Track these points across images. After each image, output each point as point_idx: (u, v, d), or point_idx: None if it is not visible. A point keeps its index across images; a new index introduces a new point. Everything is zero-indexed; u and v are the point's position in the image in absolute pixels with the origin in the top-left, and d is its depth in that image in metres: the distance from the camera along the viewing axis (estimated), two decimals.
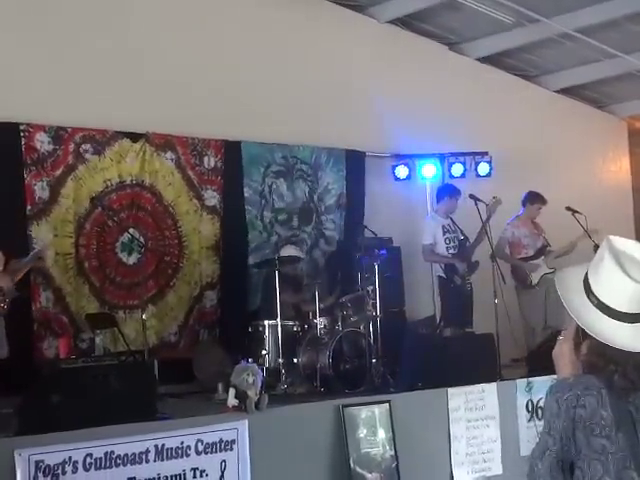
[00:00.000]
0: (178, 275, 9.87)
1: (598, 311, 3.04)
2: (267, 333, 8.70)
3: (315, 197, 10.96)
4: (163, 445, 6.37)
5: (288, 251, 9.59)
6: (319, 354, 8.37)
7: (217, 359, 9.43)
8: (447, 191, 9.93)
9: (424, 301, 11.40)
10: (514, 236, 10.33)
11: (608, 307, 3.03)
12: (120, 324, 9.28)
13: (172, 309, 9.73)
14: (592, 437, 3.01)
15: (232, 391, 6.91)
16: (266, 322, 8.72)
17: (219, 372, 9.10)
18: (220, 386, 8.58)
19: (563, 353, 3.17)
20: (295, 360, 8.58)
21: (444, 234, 9.70)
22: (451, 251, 9.69)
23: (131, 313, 9.50)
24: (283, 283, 8.86)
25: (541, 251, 10.27)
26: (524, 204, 10.44)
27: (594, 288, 3.06)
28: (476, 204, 9.47)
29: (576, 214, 10.21)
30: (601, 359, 3.06)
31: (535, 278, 10.13)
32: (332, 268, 10.43)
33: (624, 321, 3.01)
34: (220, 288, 10.12)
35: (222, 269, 10.15)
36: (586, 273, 3.10)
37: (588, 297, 3.07)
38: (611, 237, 3.08)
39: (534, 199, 10.38)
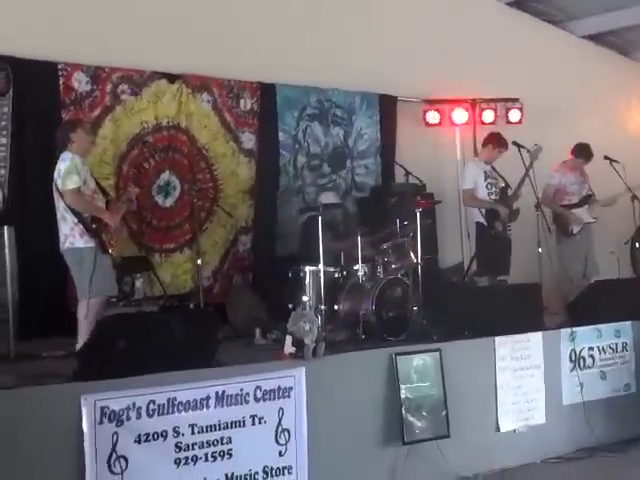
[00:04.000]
0: (212, 219, 9.76)
1: None
2: (308, 279, 8.59)
3: (349, 142, 10.85)
4: (223, 392, 6.30)
5: (328, 197, 9.48)
6: (362, 301, 8.28)
7: (250, 304, 9.41)
8: (494, 141, 9.71)
9: (452, 248, 11.39)
10: (560, 183, 10.20)
11: None
12: (156, 268, 9.22)
13: (206, 253, 9.60)
14: None
15: (289, 338, 6.82)
16: (307, 268, 8.59)
17: (252, 317, 9.09)
18: (258, 331, 8.57)
19: None
20: (336, 307, 8.47)
21: (485, 179, 9.53)
22: (493, 197, 9.50)
23: (167, 257, 9.41)
24: (323, 229, 8.73)
25: (585, 199, 10.16)
26: (572, 154, 10.31)
27: None
28: (519, 151, 9.34)
29: (614, 163, 10.11)
30: None
31: (577, 226, 10.04)
32: (366, 214, 10.31)
33: None
34: (254, 233, 10.02)
35: (256, 213, 10.04)
36: None
37: None
38: None
39: (578, 152, 10.23)
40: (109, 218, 7.33)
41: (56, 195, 7.28)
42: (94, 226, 7.21)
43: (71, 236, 7.24)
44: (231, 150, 9.89)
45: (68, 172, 7.12)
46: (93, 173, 8.59)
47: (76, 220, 7.17)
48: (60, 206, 7.27)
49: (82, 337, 7.07)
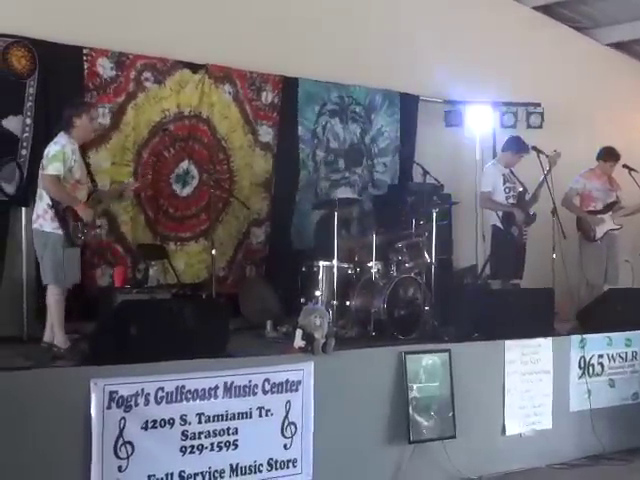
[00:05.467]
0: (228, 210, 9.77)
1: None
2: (322, 274, 8.57)
3: (367, 139, 10.86)
4: (232, 383, 6.36)
5: (344, 192, 9.48)
6: (374, 298, 8.28)
7: (263, 296, 9.43)
8: (515, 145, 9.69)
9: (466, 250, 11.38)
10: (585, 188, 10.23)
11: None
12: (170, 256, 9.25)
13: (222, 244, 9.61)
14: None
15: (299, 332, 6.86)
16: (321, 263, 8.58)
17: (264, 309, 9.12)
18: (269, 324, 8.59)
19: None
20: (348, 303, 8.45)
21: (504, 183, 9.53)
22: (510, 201, 9.50)
23: (182, 245, 9.44)
24: (339, 225, 8.73)
25: (610, 206, 10.15)
26: (598, 159, 10.31)
27: None
28: (538, 156, 9.36)
29: (632, 172, 10.09)
30: None
31: (599, 232, 10.04)
32: (382, 212, 10.32)
33: None
34: (269, 225, 10.06)
35: (272, 207, 10.08)
36: None
37: None
38: None
39: (606, 156, 10.24)
40: (82, 210, 7.18)
41: (41, 173, 7.25)
42: (65, 216, 7.09)
43: (42, 218, 7.14)
44: (248, 143, 9.88)
45: (54, 157, 7.04)
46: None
47: (50, 203, 7.08)
48: (41, 185, 7.24)
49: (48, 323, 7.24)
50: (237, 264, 9.87)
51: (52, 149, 7.12)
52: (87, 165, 7.58)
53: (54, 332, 7.17)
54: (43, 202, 7.17)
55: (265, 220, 10.10)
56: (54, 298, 7.17)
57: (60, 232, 7.08)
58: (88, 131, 7.49)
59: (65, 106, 7.38)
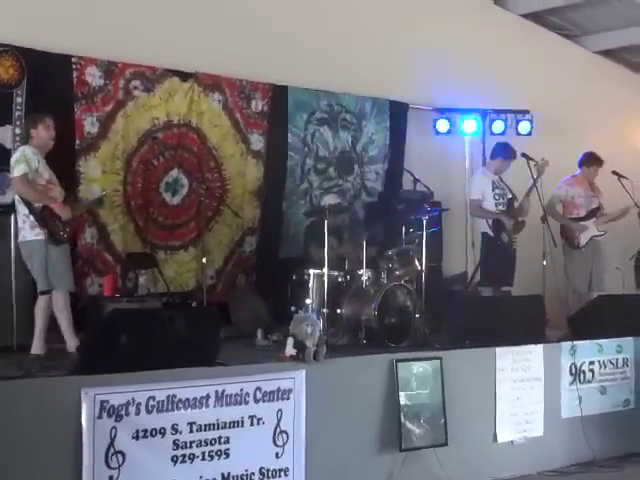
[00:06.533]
0: (218, 218, 9.76)
1: None
2: (312, 282, 8.56)
3: (358, 147, 10.86)
4: (223, 391, 6.32)
5: (330, 199, 9.43)
6: (364, 306, 8.27)
7: (253, 305, 9.40)
8: (503, 152, 9.72)
9: (456, 257, 11.39)
10: (567, 194, 10.26)
11: None
12: (160, 264, 9.23)
13: (211, 252, 9.59)
14: None
15: (290, 340, 6.83)
16: (311, 271, 8.57)
17: (255, 318, 9.09)
18: (259, 332, 8.57)
19: None
20: (339, 311, 8.44)
21: (493, 190, 9.56)
22: (500, 207, 9.52)
23: (172, 254, 9.42)
24: (328, 233, 8.71)
25: (593, 213, 10.17)
26: (580, 165, 10.34)
27: None
28: (528, 163, 9.36)
29: (622, 179, 10.10)
30: None
31: (583, 239, 10.07)
32: (372, 219, 10.31)
33: None
34: (260, 234, 10.03)
35: (263, 215, 10.06)
36: None
37: None
38: None
39: (590, 161, 10.26)
40: (59, 208, 7.31)
41: (11, 180, 7.41)
42: (43, 216, 7.19)
43: (23, 229, 7.29)
44: (240, 151, 9.90)
45: (16, 161, 7.23)
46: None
47: (27, 211, 7.20)
48: (15, 198, 7.37)
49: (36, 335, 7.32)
50: (227, 273, 9.85)
51: (14, 157, 7.34)
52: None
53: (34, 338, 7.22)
54: (21, 214, 7.30)
55: (258, 229, 10.09)
56: (41, 304, 7.25)
57: (41, 237, 7.18)
58: (46, 139, 7.54)
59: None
